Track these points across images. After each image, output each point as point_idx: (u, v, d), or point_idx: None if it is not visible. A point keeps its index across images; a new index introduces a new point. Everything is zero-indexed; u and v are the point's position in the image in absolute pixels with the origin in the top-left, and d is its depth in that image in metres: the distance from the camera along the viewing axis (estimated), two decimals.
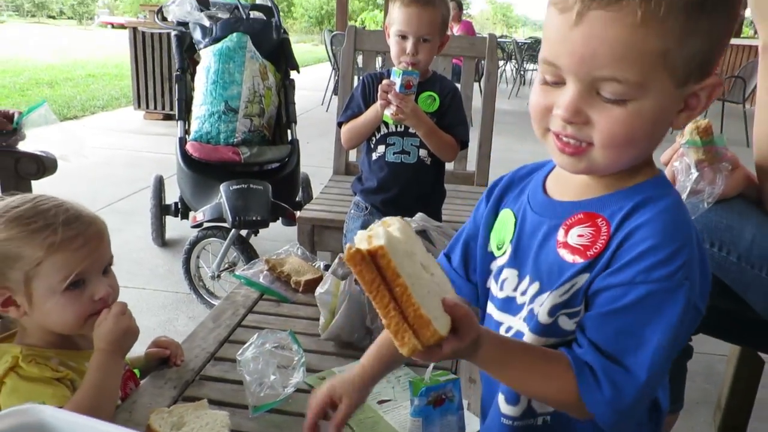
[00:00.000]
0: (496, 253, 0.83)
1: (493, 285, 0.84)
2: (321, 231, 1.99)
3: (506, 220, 0.83)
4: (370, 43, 2.46)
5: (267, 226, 2.21)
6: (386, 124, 1.79)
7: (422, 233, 1.26)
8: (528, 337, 0.76)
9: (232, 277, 2.26)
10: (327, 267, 1.49)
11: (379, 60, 2.64)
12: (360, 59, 2.80)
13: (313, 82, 9.70)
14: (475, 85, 2.94)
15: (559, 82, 0.68)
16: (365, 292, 0.63)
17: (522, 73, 11.08)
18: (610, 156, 0.69)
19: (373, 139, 1.83)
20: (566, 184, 0.77)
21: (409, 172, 1.80)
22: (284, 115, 2.69)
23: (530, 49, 11.49)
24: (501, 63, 13.07)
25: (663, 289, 0.66)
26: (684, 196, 1.10)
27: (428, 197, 1.85)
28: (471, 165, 2.54)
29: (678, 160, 1.14)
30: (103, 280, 0.96)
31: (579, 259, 0.71)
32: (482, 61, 2.49)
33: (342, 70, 2.51)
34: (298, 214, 2.20)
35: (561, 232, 0.74)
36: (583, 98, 0.66)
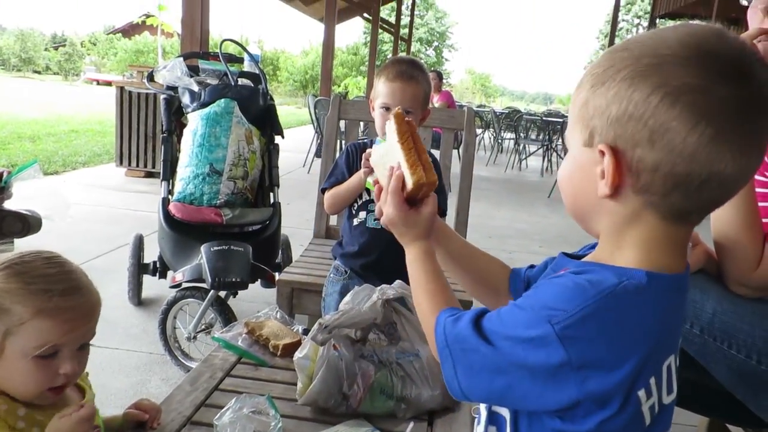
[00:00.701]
0: None
1: None
2: (300, 294, 2.01)
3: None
4: (354, 112, 2.55)
5: (246, 287, 2.23)
6: (368, 191, 1.85)
7: (400, 300, 1.29)
8: None
9: (208, 339, 2.25)
10: (306, 331, 1.51)
11: (361, 126, 2.74)
12: (343, 125, 2.90)
13: (296, 144, 9.87)
14: (454, 152, 3.05)
15: None
16: (398, 141, 0.94)
17: (499, 141, 11.41)
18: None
19: (355, 205, 1.89)
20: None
21: (389, 238, 1.83)
22: (267, 178, 2.75)
23: (507, 118, 11.87)
24: (479, 131, 13.48)
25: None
26: None
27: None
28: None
29: None
30: (75, 356, 0.96)
31: None
32: (461, 132, 2.60)
33: (326, 138, 2.59)
34: (277, 276, 2.22)
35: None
36: None
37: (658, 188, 0.67)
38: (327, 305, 1.88)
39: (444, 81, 10.82)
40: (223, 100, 2.60)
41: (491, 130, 12.26)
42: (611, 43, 18.34)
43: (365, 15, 17.72)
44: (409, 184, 0.93)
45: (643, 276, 0.69)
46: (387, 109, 1.78)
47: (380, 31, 18.17)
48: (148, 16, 14.12)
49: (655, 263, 0.71)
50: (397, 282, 1.32)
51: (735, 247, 1.21)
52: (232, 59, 3.11)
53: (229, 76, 2.77)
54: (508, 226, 5.47)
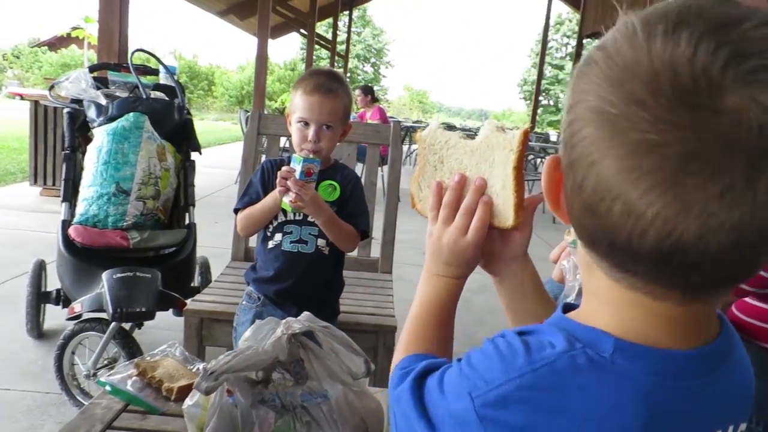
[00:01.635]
0: None
1: None
2: (211, 324, 1.85)
3: None
4: (274, 127, 2.42)
5: (152, 318, 2.04)
6: (284, 212, 1.72)
7: (308, 334, 1.16)
8: None
9: None
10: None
11: (282, 141, 2.61)
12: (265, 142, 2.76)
13: (229, 161, 9.62)
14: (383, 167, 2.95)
15: None
16: (514, 167, 0.72)
17: None
18: None
19: (270, 226, 1.75)
20: None
21: (306, 262, 1.72)
22: (183, 198, 2.57)
23: None
24: (416, 146, 13.50)
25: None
26: (572, 297, 1.08)
27: (325, 288, 1.77)
28: (375, 251, 2.49)
29: (566, 259, 1.12)
30: None
31: None
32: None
33: (244, 154, 2.44)
34: (187, 303, 2.05)
35: None
36: None
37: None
38: (238, 336, 1.73)
39: (380, 98, 10.82)
40: (132, 114, 2.41)
41: None
42: (542, 61, 18.93)
43: (302, 31, 17.63)
44: (502, 222, 0.73)
45: (609, 344, 0.50)
46: (305, 123, 1.66)
47: (317, 47, 18.09)
48: (75, 28, 13.50)
49: (629, 329, 0.51)
50: (305, 314, 1.19)
51: None
52: (146, 71, 2.92)
53: (141, 89, 2.58)
54: None
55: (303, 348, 1.18)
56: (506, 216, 0.73)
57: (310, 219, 1.70)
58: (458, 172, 0.77)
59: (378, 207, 2.45)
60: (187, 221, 2.53)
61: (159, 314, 2.15)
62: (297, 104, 1.68)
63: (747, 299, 1.19)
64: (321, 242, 1.73)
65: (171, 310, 2.32)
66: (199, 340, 1.83)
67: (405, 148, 13.69)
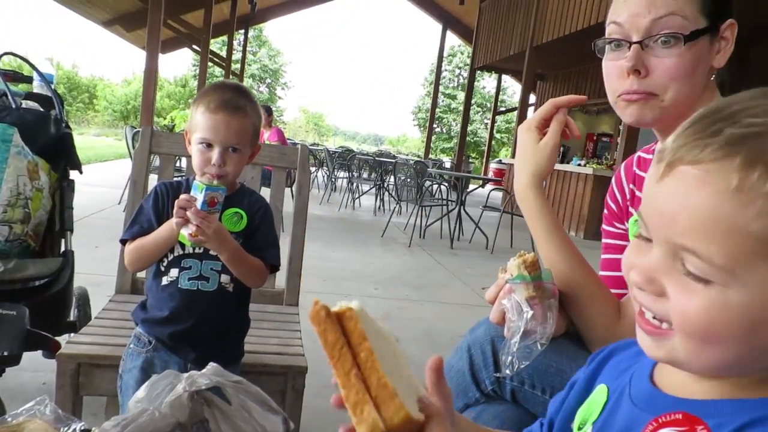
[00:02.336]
0: None
1: None
2: (90, 371, 1.59)
3: (598, 397, 0.69)
4: (168, 146, 2.20)
5: (17, 362, 1.74)
6: (181, 245, 1.52)
7: (215, 390, 0.99)
8: None
9: None
10: None
11: (178, 162, 2.38)
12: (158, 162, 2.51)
13: (112, 179, 8.99)
14: (287, 190, 2.79)
15: (649, 240, 0.57)
16: (329, 358, 0.56)
17: (333, 179, 11.39)
18: (690, 348, 0.54)
19: (164, 260, 1.53)
20: (674, 374, 0.61)
21: (207, 302, 1.52)
22: (58, 222, 2.26)
23: (340, 158, 11.94)
24: (313, 169, 13.38)
25: None
26: (517, 339, 1.00)
27: (228, 329, 1.57)
28: (280, 282, 2.32)
29: (506, 297, 1.04)
30: None
31: None
32: (294, 170, 2.35)
33: (133, 176, 2.19)
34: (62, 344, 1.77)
35: (649, 429, 0.58)
36: (662, 265, 0.54)
37: None
38: (124, 385, 1.49)
39: (276, 118, 10.61)
40: None
41: (325, 168, 12.23)
42: (436, 90, 19.54)
43: (194, 47, 17.03)
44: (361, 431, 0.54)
45: None
46: (208, 145, 1.47)
47: (211, 64, 17.52)
48: None
49: None
50: (212, 366, 1.02)
51: (596, 309, 1.10)
52: (16, 78, 2.59)
53: (9, 97, 2.26)
54: (343, 267, 5.30)
55: (208, 405, 1.00)
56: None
57: (212, 252, 1.51)
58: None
59: (283, 234, 2.29)
60: (63, 248, 2.23)
61: (26, 354, 1.85)
62: (199, 122, 1.48)
63: None
64: (224, 278, 1.54)
65: (41, 351, 2.01)
66: (74, 390, 1.57)
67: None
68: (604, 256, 1.32)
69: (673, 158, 0.53)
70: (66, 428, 1.16)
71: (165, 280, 1.52)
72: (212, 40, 16.79)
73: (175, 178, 1.79)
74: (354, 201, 10.38)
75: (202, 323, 1.50)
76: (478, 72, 16.34)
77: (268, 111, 7.62)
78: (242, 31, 20.50)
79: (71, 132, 2.41)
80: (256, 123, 1.55)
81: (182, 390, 0.95)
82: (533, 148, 1.20)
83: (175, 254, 1.52)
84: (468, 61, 18.12)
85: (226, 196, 1.47)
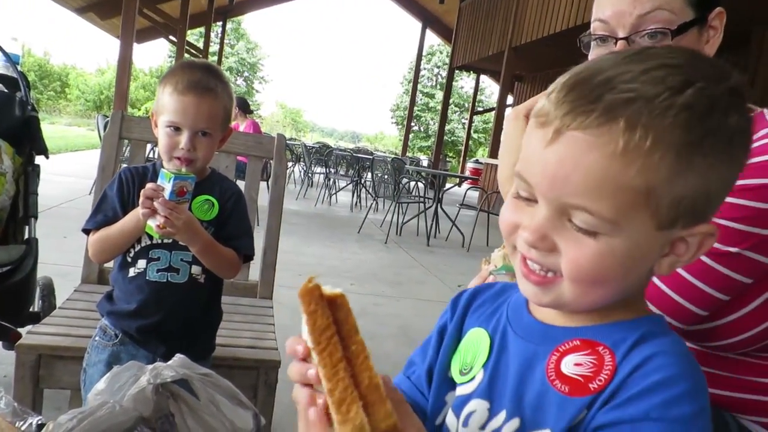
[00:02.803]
0: (459, 379, 0.72)
1: (451, 419, 0.71)
2: (51, 363, 1.52)
3: (477, 341, 0.72)
4: (139, 131, 2.12)
5: None
6: (149, 236, 1.44)
7: (182, 383, 0.94)
8: None
9: None
10: (41, 427, 1.06)
11: (148, 148, 2.30)
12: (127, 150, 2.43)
13: (83, 169, 8.78)
14: (262, 184, 2.73)
15: (531, 200, 0.62)
16: (313, 349, 0.51)
17: (310, 175, 11.30)
18: (578, 292, 0.61)
19: (131, 251, 1.45)
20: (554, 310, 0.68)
21: (178, 294, 1.45)
22: (22, 208, 2.17)
23: (318, 153, 11.86)
24: (290, 164, 13.25)
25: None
26: None
27: (200, 322, 1.51)
28: (254, 274, 2.26)
29: None
30: None
31: (579, 393, 0.60)
32: (270, 162, 2.29)
33: (101, 161, 2.11)
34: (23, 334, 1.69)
35: (552, 360, 0.63)
36: (552, 223, 0.60)
37: None
38: (89, 378, 1.42)
39: (253, 112, 10.47)
40: None
41: (302, 163, 12.12)
42: (414, 89, 19.52)
43: (170, 38, 16.74)
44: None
45: None
46: (176, 129, 1.39)
47: (187, 56, 17.24)
48: None
49: None
50: (179, 358, 0.96)
51: None
52: None
53: None
54: (318, 263, 5.24)
55: (174, 399, 0.95)
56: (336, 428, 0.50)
57: (181, 243, 1.44)
58: None
59: (258, 227, 2.23)
60: (26, 236, 2.14)
61: None
62: (166, 104, 1.39)
63: None
64: (195, 269, 1.47)
65: (0, 343, 1.93)
66: (35, 382, 1.49)
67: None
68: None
69: (561, 124, 0.57)
70: (22, 423, 1.09)
71: (132, 272, 1.45)
72: (189, 32, 16.52)
73: (141, 164, 1.70)
74: (331, 197, 10.30)
75: (172, 317, 1.43)
76: (457, 71, 16.37)
77: (244, 103, 7.49)
78: (220, 23, 20.22)
79: (37, 115, 2.32)
80: (227, 105, 1.46)
81: (146, 382, 0.90)
82: (520, 138, 1.17)
83: (143, 245, 1.45)
84: (447, 60, 18.14)
85: (197, 183, 1.40)
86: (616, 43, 1.05)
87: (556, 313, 0.67)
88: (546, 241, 0.60)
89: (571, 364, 0.62)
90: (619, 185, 0.55)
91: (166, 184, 1.31)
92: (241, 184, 2.15)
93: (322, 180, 10.92)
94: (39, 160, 2.33)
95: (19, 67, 2.42)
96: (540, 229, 0.60)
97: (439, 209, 7.47)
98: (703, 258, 0.95)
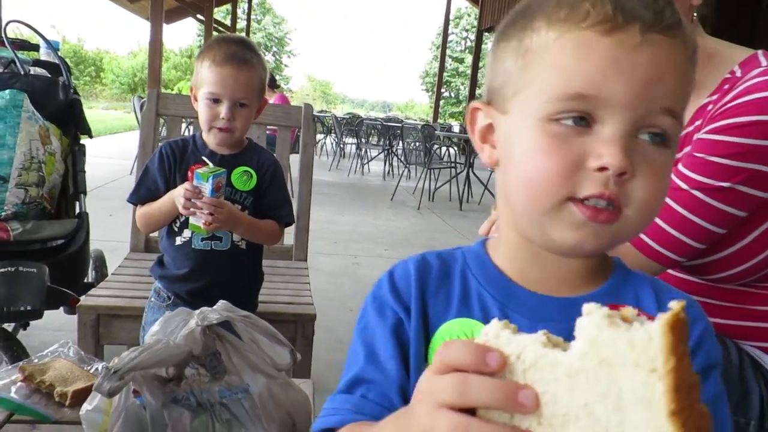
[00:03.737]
0: None
1: None
2: (109, 321, 1.67)
3: (465, 334, 0.62)
4: (175, 107, 2.24)
5: (40, 316, 1.83)
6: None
7: (224, 325, 1.06)
8: None
9: None
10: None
11: (184, 125, 2.43)
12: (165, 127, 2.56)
13: (122, 151, 9.06)
14: (293, 156, 2.84)
15: (588, 123, 0.54)
16: (669, 412, 0.35)
17: (341, 146, 11.41)
18: (644, 220, 0.57)
19: (177, 221, 1.56)
20: (548, 276, 0.62)
21: (222, 260, 1.55)
22: (71, 185, 2.32)
23: (348, 124, 11.92)
24: (321, 136, 13.38)
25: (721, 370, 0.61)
26: None
27: (244, 284, 1.63)
28: (289, 238, 2.38)
29: (498, 232, 1.09)
30: None
31: None
32: (299, 132, 2.40)
33: (141, 137, 2.25)
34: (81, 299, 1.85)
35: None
36: (629, 141, 0.54)
37: None
38: (146, 335, 1.56)
39: (283, 87, 10.55)
40: (8, 91, 2.14)
41: (333, 135, 12.22)
42: (443, 54, 19.30)
43: (198, 16, 16.89)
44: None
45: None
46: (215, 100, 1.47)
47: (215, 33, 17.41)
48: None
49: None
50: (221, 303, 1.08)
51: None
52: (24, 46, 2.63)
53: (18, 64, 2.31)
54: (352, 230, 5.37)
55: (220, 340, 1.07)
56: None
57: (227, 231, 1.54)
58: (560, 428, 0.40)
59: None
60: (77, 210, 2.30)
61: (48, 314, 1.93)
62: (205, 77, 1.48)
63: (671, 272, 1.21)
64: (237, 237, 1.57)
65: (62, 308, 2.10)
66: (96, 339, 1.65)
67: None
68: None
69: (644, 27, 0.54)
70: (89, 367, 1.24)
71: (179, 240, 1.56)
72: (216, 9, 16.64)
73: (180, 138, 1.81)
74: (363, 167, 10.40)
75: (218, 280, 1.55)
76: (486, 34, 16.10)
77: (271, 78, 7.59)
78: None
79: (79, 98, 2.46)
80: (262, 76, 1.55)
81: (195, 324, 1.02)
82: None
83: (186, 217, 1.54)
84: (475, 23, 17.83)
85: (235, 154, 1.50)
86: None
87: (550, 282, 0.62)
88: (628, 163, 0.53)
89: None
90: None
91: (204, 184, 1.41)
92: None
93: (354, 150, 11.01)
94: (83, 140, 2.48)
95: (59, 53, 2.56)
96: (626, 148, 0.53)
97: (471, 174, 7.49)
98: (697, 194, 1.02)
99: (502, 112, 0.62)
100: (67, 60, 2.64)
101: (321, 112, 16.31)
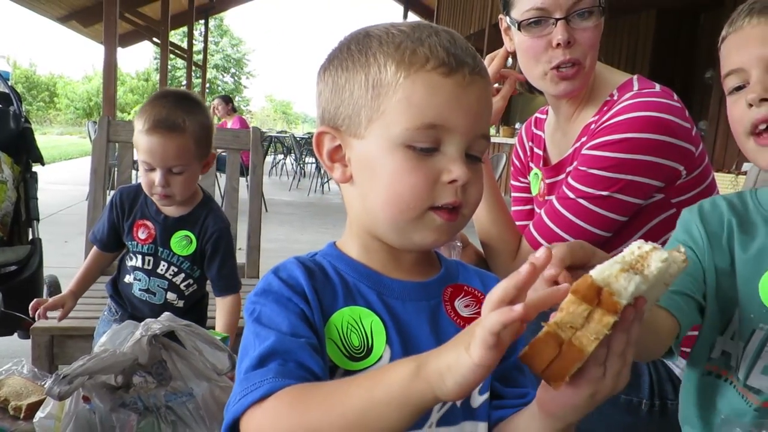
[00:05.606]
0: (349, 365, 0.69)
1: None
2: (63, 342, 1.73)
3: (357, 321, 0.71)
4: (126, 134, 2.31)
5: None
6: (133, 256, 1.59)
7: (169, 335, 1.15)
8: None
9: None
10: None
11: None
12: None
13: (78, 177, 8.95)
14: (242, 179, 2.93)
15: (437, 146, 0.68)
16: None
17: (302, 165, 11.48)
18: (471, 215, 0.76)
19: (128, 262, 1.62)
20: (402, 266, 0.76)
21: (157, 312, 1.48)
22: (24, 212, 2.38)
23: (308, 144, 12.01)
24: (281, 156, 13.43)
25: None
26: None
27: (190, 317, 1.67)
28: (241, 256, 2.47)
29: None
30: None
31: None
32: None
33: (93, 164, 2.31)
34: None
35: (449, 309, 0.74)
36: (465, 160, 0.69)
37: None
38: (96, 347, 1.64)
39: (242, 108, 10.60)
40: None
41: (293, 155, 12.30)
42: None
43: (155, 39, 16.81)
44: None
45: None
46: (150, 167, 1.45)
47: (173, 56, 17.34)
48: None
49: None
50: (165, 314, 1.18)
51: (498, 242, 1.29)
52: None
53: None
54: (312, 248, 5.26)
55: (165, 349, 1.16)
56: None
57: (159, 270, 1.57)
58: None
59: (241, 215, 2.44)
60: (30, 237, 2.35)
61: (2, 341, 1.98)
62: (138, 142, 1.45)
63: None
64: (171, 296, 1.60)
65: (16, 333, 2.14)
66: (50, 360, 1.71)
67: (269, 158, 13.54)
68: (514, 209, 1.50)
69: (470, 70, 0.68)
70: (42, 383, 1.32)
71: (125, 279, 1.63)
72: (172, 32, 16.60)
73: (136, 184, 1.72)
74: (323, 185, 10.48)
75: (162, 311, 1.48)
76: None
77: (227, 100, 7.66)
78: (202, 21, 20.27)
79: (31, 126, 2.52)
80: (198, 135, 1.48)
81: (140, 335, 1.11)
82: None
83: (129, 264, 1.60)
84: None
85: (179, 217, 1.52)
86: (555, 23, 1.19)
87: (410, 271, 0.75)
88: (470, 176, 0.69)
89: (462, 307, 0.75)
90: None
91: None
92: (222, 178, 2.37)
93: (314, 170, 11.10)
94: (36, 167, 2.53)
95: (9, 83, 2.61)
96: (465, 165, 0.68)
97: None
98: (582, 201, 1.16)
99: (356, 137, 0.71)
100: (19, 85, 2.70)
101: (281, 132, 16.36)
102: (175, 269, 1.59)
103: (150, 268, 1.58)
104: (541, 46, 1.22)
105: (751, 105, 0.82)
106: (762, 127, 0.82)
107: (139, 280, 1.61)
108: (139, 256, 1.58)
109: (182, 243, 1.58)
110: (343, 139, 0.73)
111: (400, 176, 0.68)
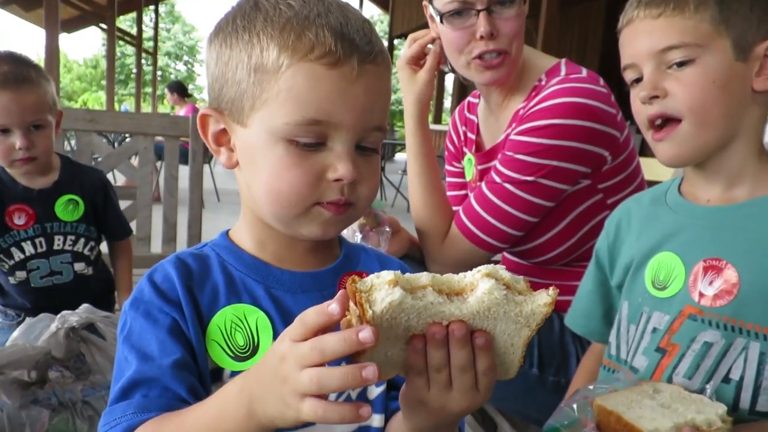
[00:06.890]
0: None
1: None
2: None
3: (243, 320, 0.71)
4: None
5: None
6: (16, 247, 1.45)
7: (89, 327, 1.11)
8: None
9: None
10: None
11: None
12: None
13: None
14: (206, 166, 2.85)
15: (322, 142, 0.65)
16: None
17: None
18: (366, 207, 0.74)
19: (5, 265, 1.47)
20: (296, 256, 0.74)
21: (66, 291, 1.49)
22: None
23: None
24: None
25: None
26: None
27: (99, 296, 1.57)
28: (181, 246, 2.41)
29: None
30: None
31: None
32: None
33: None
34: None
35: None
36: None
37: None
38: (8, 342, 1.54)
39: (198, 96, 10.37)
40: None
41: None
42: None
43: (102, 25, 16.27)
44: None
45: None
46: (4, 131, 1.34)
47: (122, 43, 16.83)
48: None
49: None
50: (83, 306, 1.13)
51: (428, 226, 1.28)
52: None
53: None
54: None
55: (84, 342, 1.12)
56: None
57: (56, 247, 1.48)
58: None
59: (181, 204, 2.38)
60: None
61: None
62: None
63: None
64: (78, 266, 1.52)
65: None
66: None
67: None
68: (449, 193, 1.50)
69: (360, 59, 0.65)
70: None
71: (13, 280, 1.49)
72: (122, 17, 16.09)
73: None
74: None
75: (67, 304, 1.33)
76: (398, 40, 16.42)
77: (178, 87, 7.46)
78: (152, 7, 19.70)
79: None
80: (49, 90, 1.41)
81: (56, 328, 1.07)
82: (410, 80, 1.33)
83: (17, 259, 1.46)
84: (387, 29, 18.18)
85: (54, 184, 1.42)
86: (477, 15, 1.19)
87: (305, 260, 0.74)
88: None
89: None
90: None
91: None
92: (185, 168, 2.30)
93: None
94: None
95: None
96: (354, 161, 0.67)
97: (383, 178, 7.65)
98: (508, 186, 1.17)
99: (240, 124, 0.68)
100: None
101: None
102: (73, 237, 1.50)
103: (45, 249, 1.47)
104: (464, 37, 1.22)
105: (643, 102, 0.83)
106: (658, 122, 0.83)
107: (37, 268, 1.48)
108: (28, 243, 1.46)
109: (68, 208, 1.49)
110: (228, 123, 0.69)
111: (279, 172, 0.65)
